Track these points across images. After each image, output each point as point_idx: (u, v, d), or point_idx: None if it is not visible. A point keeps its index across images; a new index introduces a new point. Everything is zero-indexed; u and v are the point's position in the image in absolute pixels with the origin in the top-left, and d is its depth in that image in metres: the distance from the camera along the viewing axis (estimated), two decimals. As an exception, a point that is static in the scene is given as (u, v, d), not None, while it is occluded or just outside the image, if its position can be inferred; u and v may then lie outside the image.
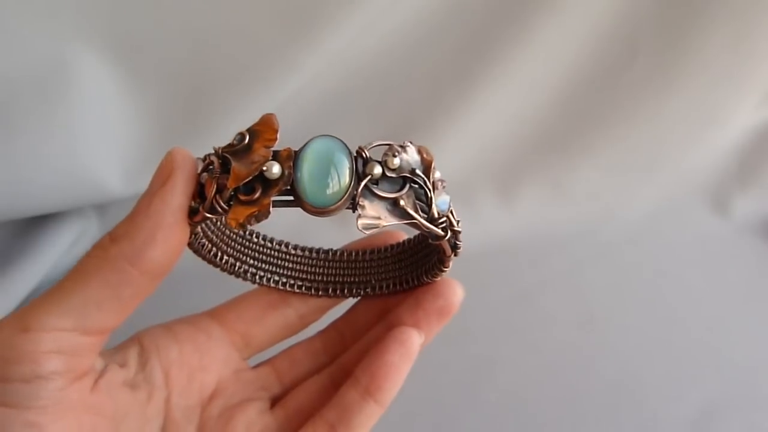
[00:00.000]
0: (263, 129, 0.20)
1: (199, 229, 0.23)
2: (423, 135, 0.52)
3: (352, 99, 0.51)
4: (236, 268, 0.26)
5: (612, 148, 0.56)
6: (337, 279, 0.27)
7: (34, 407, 0.18)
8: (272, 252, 0.27)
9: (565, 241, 0.54)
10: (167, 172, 0.19)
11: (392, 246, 0.27)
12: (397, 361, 0.23)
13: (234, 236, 0.26)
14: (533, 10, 0.48)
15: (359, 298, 0.27)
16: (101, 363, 0.22)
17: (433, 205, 0.21)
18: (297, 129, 0.55)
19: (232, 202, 0.19)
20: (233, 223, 0.19)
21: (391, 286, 0.26)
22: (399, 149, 0.20)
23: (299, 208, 0.20)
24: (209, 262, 0.25)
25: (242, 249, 0.26)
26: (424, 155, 0.21)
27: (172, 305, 0.27)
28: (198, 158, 0.20)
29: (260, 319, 0.26)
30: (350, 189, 0.19)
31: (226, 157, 0.19)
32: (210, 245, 0.25)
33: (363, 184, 0.19)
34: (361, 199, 0.19)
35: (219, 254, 0.25)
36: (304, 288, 0.27)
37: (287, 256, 0.27)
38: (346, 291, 0.27)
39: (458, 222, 0.22)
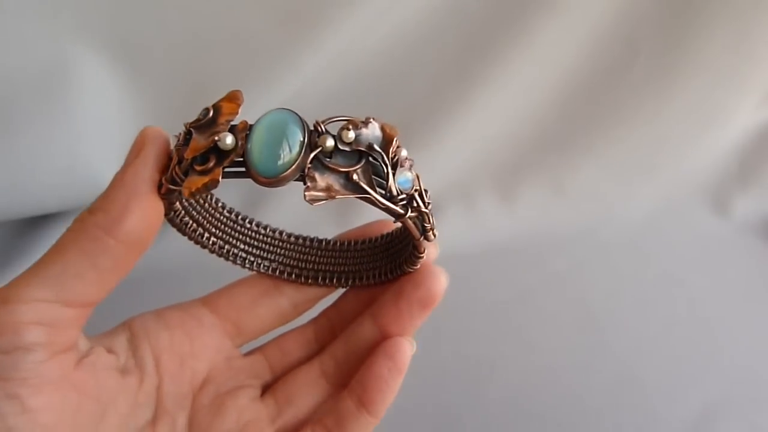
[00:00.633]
0: (227, 104, 0.21)
1: (179, 205, 0.23)
2: (423, 135, 0.52)
3: (352, 99, 0.51)
4: (225, 251, 0.26)
5: (612, 148, 0.56)
6: (327, 268, 0.27)
7: (14, 379, 0.18)
8: (264, 238, 0.27)
9: (565, 241, 0.54)
10: (139, 146, 0.20)
11: (383, 236, 0.27)
12: (387, 375, 0.23)
13: (225, 219, 0.26)
14: (533, 11, 0.48)
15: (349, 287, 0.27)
16: (86, 344, 0.22)
17: (392, 182, 0.20)
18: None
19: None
20: (186, 192, 0.19)
21: (378, 275, 0.26)
22: (360, 124, 0.20)
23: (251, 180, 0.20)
24: (196, 242, 0.25)
25: (233, 233, 0.26)
26: (387, 131, 0.20)
27: (167, 300, 0.27)
28: (174, 135, 0.21)
29: (253, 306, 0.26)
30: (299, 160, 0.19)
31: (191, 131, 0.20)
32: (195, 224, 0.25)
33: (312, 155, 0.19)
34: (310, 171, 0.19)
35: (206, 235, 0.25)
36: (294, 275, 0.26)
37: (279, 243, 0.27)
38: (335, 280, 0.27)
39: (428, 204, 0.21)
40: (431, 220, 0.22)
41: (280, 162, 0.19)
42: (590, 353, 0.44)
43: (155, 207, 0.20)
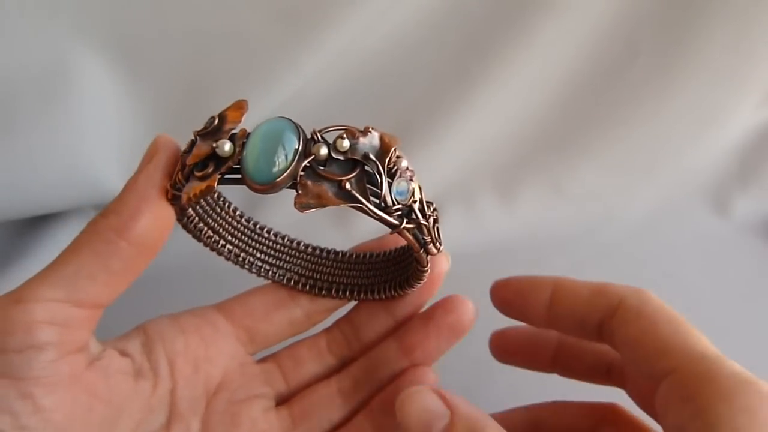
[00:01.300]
0: (231, 112, 0.21)
1: (191, 211, 0.24)
2: (423, 135, 0.52)
3: (352, 99, 0.51)
4: (240, 259, 0.26)
5: (612, 148, 0.56)
6: (341, 279, 0.27)
7: (27, 378, 0.18)
8: (280, 247, 0.27)
9: (565, 241, 0.54)
10: (152, 153, 0.21)
11: (397, 249, 0.27)
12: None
13: (241, 227, 0.26)
14: (533, 11, 0.48)
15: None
16: (98, 347, 0.22)
17: (386, 191, 0.20)
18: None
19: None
20: (184, 198, 0.19)
21: (390, 289, 0.26)
22: (358, 133, 0.20)
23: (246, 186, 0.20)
24: (211, 248, 0.25)
25: (248, 241, 0.26)
26: (385, 141, 0.20)
27: (173, 301, 0.27)
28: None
29: (267, 315, 0.26)
30: (292, 168, 0.19)
31: (197, 138, 0.21)
32: (210, 231, 0.25)
33: (304, 163, 0.19)
34: (302, 179, 0.19)
35: (222, 242, 0.25)
36: (308, 286, 0.26)
37: (295, 253, 0.27)
38: (348, 292, 0.27)
39: (430, 216, 0.21)
40: (432, 233, 0.21)
41: (274, 169, 0.19)
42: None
43: (166, 211, 0.20)
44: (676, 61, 0.52)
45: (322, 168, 0.19)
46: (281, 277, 0.26)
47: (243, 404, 0.25)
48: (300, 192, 0.19)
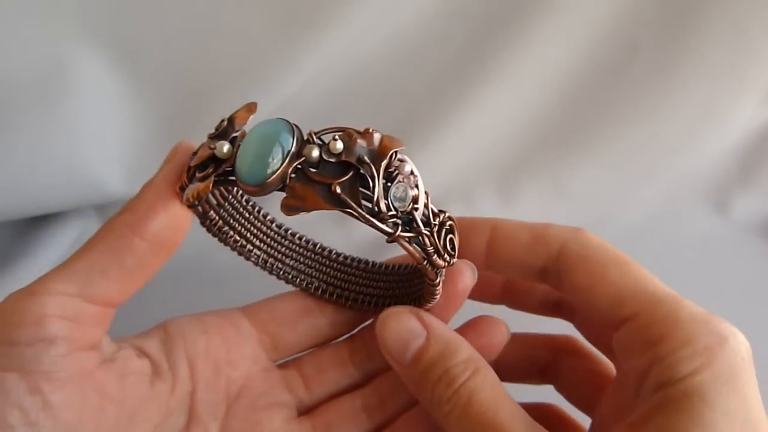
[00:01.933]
0: (240, 114, 0.21)
1: (214, 214, 0.23)
2: (423, 135, 0.52)
3: (352, 99, 0.50)
4: (268, 264, 0.26)
5: (612, 148, 0.56)
6: (368, 290, 0.26)
7: (36, 372, 0.18)
8: (309, 254, 0.27)
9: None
10: (171, 156, 0.21)
11: None
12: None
13: (270, 232, 0.26)
14: (533, 11, 0.48)
15: None
16: (112, 347, 0.21)
17: (379, 197, 0.19)
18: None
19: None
20: (184, 199, 0.20)
21: (416, 302, 0.25)
22: (356, 135, 0.19)
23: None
24: (239, 253, 0.25)
25: (277, 246, 0.26)
26: (384, 143, 0.19)
27: (181, 297, 0.27)
28: None
29: (293, 323, 0.26)
30: (281, 170, 0.18)
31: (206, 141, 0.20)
32: (237, 236, 0.25)
33: (294, 165, 0.19)
34: (292, 181, 0.19)
35: (249, 247, 0.25)
36: (335, 296, 0.26)
37: (324, 261, 0.27)
38: (373, 304, 0.26)
39: (438, 226, 0.20)
40: (437, 244, 0.20)
41: (267, 171, 0.18)
42: (590, 353, 0.44)
43: (181, 211, 0.20)
44: (676, 60, 0.52)
45: (313, 170, 0.19)
46: (309, 286, 0.26)
47: (264, 412, 0.24)
48: (287, 194, 0.19)
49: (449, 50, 0.49)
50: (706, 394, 0.17)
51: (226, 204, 0.24)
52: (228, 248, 0.25)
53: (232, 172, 0.19)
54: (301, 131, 0.20)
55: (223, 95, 0.44)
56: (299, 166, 0.19)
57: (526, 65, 0.50)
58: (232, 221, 0.25)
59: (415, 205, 0.19)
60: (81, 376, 0.19)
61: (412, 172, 0.20)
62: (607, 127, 0.55)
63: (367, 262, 0.27)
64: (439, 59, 0.50)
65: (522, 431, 0.19)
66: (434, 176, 0.54)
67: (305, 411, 0.25)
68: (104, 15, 0.40)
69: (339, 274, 0.27)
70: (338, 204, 0.19)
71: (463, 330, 0.25)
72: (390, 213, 0.19)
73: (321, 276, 0.26)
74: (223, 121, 0.21)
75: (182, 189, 0.20)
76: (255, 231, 0.25)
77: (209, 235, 0.24)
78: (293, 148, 0.19)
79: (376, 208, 0.19)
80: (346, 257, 0.27)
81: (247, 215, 0.25)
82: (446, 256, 0.21)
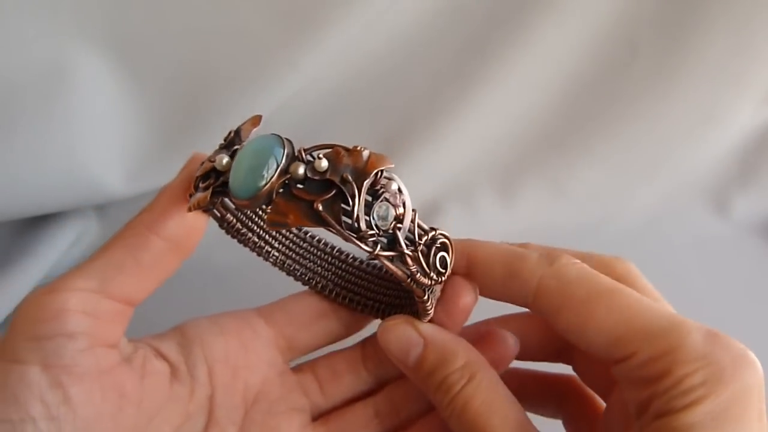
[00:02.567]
0: (246, 126, 0.21)
1: (231, 217, 0.24)
2: (423, 135, 0.52)
3: (352, 99, 0.51)
4: (285, 265, 0.26)
5: (612, 148, 0.56)
6: (378, 297, 0.27)
7: (58, 365, 0.19)
8: (325, 256, 0.27)
9: (564, 241, 0.54)
10: (186, 164, 0.22)
11: None
12: None
13: (289, 234, 0.26)
14: (533, 10, 0.48)
15: None
16: (130, 348, 0.22)
17: (359, 215, 0.19)
18: (297, 129, 0.55)
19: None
20: (187, 209, 0.20)
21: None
22: (343, 153, 0.19)
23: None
24: (258, 254, 0.26)
25: (295, 248, 0.26)
26: (371, 161, 0.19)
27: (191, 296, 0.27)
28: None
29: (309, 325, 0.26)
30: (268, 185, 0.19)
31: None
32: (255, 237, 0.25)
33: (280, 181, 0.19)
34: (277, 197, 0.19)
35: (267, 248, 0.26)
36: (348, 300, 0.26)
37: (339, 264, 0.27)
38: (381, 312, 0.27)
39: (423, 245, 0.20)
40: (420, 261, 0.20)
41: (258, 185, 0.19)
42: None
43: (195, 213, 0.21)
44: (676, 60, 0.52)
45: (300, 187, 0.19)
46: (324, 288, 0.26)
47: (282, 417, 0.24)
48: (271, 210, 0.19)
49: (449, 50, 0.49)
50: (701, 430, 0.18)
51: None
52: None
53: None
54: (293, 147, 0.20)
55: (223, 95, 0.44)
56: (286, 183, 0.19)
57: (525, 65, 0.50)
58: (250, 223, 0.25)
59: (399, 224, 0.20)
60: (100, 373, 0.20)
61: (399, 190, 0.20)
62: (607, 126, 0.55)
63: (380, 268, 0.27)
64: (439, 59, 0.50)
65: None
66: (434, 176, 0.54)
67: (319, 415, 0.26)
68: (104, 15, 0.40)
69: (353, 278, 0.27)
70: (319, 221, 0.19)
71: (472, 342, 0.25)
72: (370, 231, 0.19)
73: (336, 279, 0.27)
74: (230, 132, 0.21)
75: (191, 196, 0.21)
76: (273, 233, 0.26)
77: (211, 235, 0.25)
78: (283, 164, 0.19)
79: (356, 225, 0.19)
80: (362, 262, 0.27)
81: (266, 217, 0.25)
82: (433, 274, 0.21)
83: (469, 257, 0.24)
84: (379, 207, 0.19)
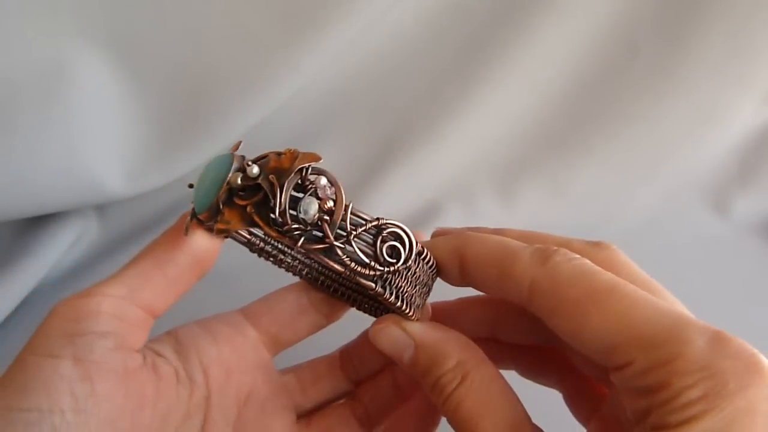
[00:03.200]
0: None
1: (257, 241, 0.25)
2: (423, 135, 0.52)
3: (352, 99, 0.51)
4: (273, 255, 0.27)
5: (612, 148, 0.56)
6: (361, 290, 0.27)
7: (88, 360, 0.20)
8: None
9: (565, 241, 0.54)
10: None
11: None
12: None
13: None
14: (533, 11, 0.48)
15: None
16: (149, 355, 0.23)
17: (278, 211, 0.20)
18: (297, 129, 0.55)
19: None
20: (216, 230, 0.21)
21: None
22: (273, 157, 0.20)
23: None
24: (292, 273, 0.27)
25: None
26: (296, 159, 0.20)
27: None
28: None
29: (292, 322, 0.27)
30: (215, 198, 0.20)
31: None
32: (287, 258, 0.26)
33: (222, 191, 0.20)
34: (223, 206, 0.20)
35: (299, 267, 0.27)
36: (332, 289, 0.27)
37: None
38: (365, 306, 0.27)
39: (352, 233, 0.20)
40: (355, 252, 0.20)
41: (209, 199, 0.21)
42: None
43: (217, 240, 0.22)
44: (677, 61, 0.52)
45: (242, 193, 0.20)
46: (308, 276, 0.27)
47: (272, 416, 0.26)
48: (219, 219, 0.20)
49: (449, 50, 0.49)
50: None
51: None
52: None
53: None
54: (243, 160, 0.21)
55: (223, 95, 0.44)
56: (226, 192, 0.20)
57: (526, 65, 0.50)
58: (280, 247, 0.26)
59: (326, 216, 0.20)
60: (125, 373, 0.21)
61: (331, 184, 0.20)
62: (607, 127, 0.55)
63: None
64: (440, 59, 0.50)
65: None
66: (434, 176, 0.54)
67: (302, 415, 0.27)
68: (104, 15, 0.40)
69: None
70: (251, 223, 0.20)
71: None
72: (294, 226, 0.20)
73: (323, 269, 0.27)
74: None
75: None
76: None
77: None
78: (229, 178, 0.20)
79: (280, 220, 0.20)
80: None
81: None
82: (375, 263, 0.21)
83: (461, 256, 0.23)
84: (304, 201, 0.20)
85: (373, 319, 0.26)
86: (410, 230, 0.21)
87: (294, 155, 0.20)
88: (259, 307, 0.27)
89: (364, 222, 0.21)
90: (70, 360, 0.19)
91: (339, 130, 0.52)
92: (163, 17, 0.41)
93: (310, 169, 0.20)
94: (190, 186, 0.22)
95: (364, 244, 0.21)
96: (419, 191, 0.54)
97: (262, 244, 0.25)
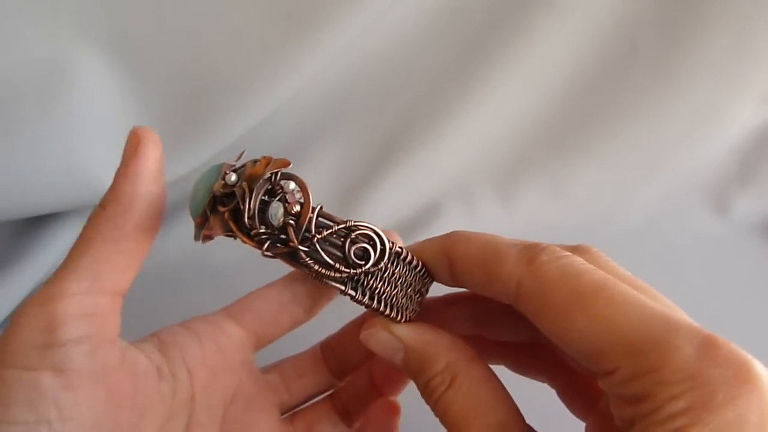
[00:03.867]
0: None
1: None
2: (423, 135, 0.52)
3: (352, 99, 0.51)
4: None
5: (612, 148, 0.56)
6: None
7: (69, 370, 0.19)
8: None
9: (564, 242, 0.54)
10: (135, 143, 0.22)
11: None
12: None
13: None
14: (533, 11, 0.48)
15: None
16: (123, 342, 0.22)
17: (247, 216, 0.20)
18: (297, 129, 0.55)
19: None
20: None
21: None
22: (249, 165, 0.21)
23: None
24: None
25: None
26: (268, 165, 0.21)
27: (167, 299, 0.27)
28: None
29: (274, 319, 0.27)
30: (203, 206, 0.21)
31: None
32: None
33: (207, 200, 0.21)
34: (209, 213, 0.21)
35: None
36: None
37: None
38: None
39: (316, 236, 0.20)
40: (321, 256, 0.21)
41: (199, 207, 0.21)
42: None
43: (160, 193, 0.21)
44: (676, 61, 0.52)
45: (225, 200, 0.21)
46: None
47: (258, 414, 0.26)
48: (205, 226, 0.21)
49: (449, 50, 0.49)
50: None
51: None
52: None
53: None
54: (232, 166, 0.22)
55: (223, 96, 0.44)
56: (211, 200, 0.21)
57: (525, 65, 0.50)
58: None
59: (291, 220, 0.20)
60: (104, 374, 0.20)
61: (299, 188, 0.21)
62: (606, 127, 0.55)
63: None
64: (439, 59, 0.50)
65: None
66: (434, 176, 0.54)
67: (286, 410, 0.27)
68: (104, 15, 0.40)
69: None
70: (228, 228, 0.21)
71: None
72: (261, 230, 0.20)
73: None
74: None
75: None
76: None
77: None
78: (213, 186, 0.21)
79: (248, 224, 0.20)
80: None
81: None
82: (339, 265, 0.21)
83: (449, 259, 0.23)
84: (272, 206, 0.20)
85: (357, 311, 0.26)
86: (383, 232, 0.21)
87: (266, 162, 0.21)
88: (242, 306, 0.27)
89: (332, 225, 0.21)
90: (50, 371, 0.19)
91: (339, 131, 0.52)
92: (163, 17, 0.41)
93: (279, 174, 0.20)
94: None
95: (333, 246, 0.21)
96: (419, 191, 0.54)
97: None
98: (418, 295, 0.24)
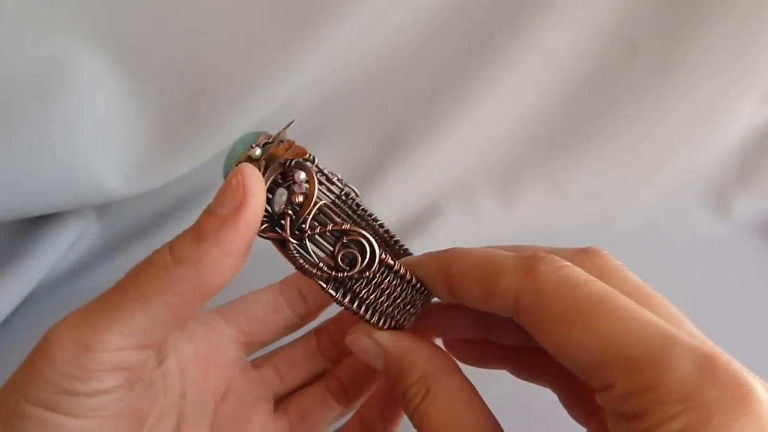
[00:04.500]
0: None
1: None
2: (423, 135, 0.52)
3: (353, 99, 0.51)
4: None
5: (612, 148, 0.56)
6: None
7: (94, 416, 0.19)
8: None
9: (565, 242, 0.54)
10: (238, 197, 0.19)
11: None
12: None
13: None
14: (533, 10, 0.48)
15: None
16: None
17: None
18: (297, 129, 0.55)
19: None
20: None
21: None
22: (275, 144, 0.21)
23: None
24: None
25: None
26: (287, 151, 0.21)
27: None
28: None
29: (267, 321, 0.27)
30: (235, 166, 0.21)
31: None
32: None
33: (235, 164, 0.21)
34: None
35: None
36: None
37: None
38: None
39: (308, 233, 0.20)
40: (308, 252, 0.21)
41: (230, 167, 0.21)
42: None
43: (240, 264, 0.20)
44: (677, 61, 0.52)
45: None
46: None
47: (250, 409, 0.26)
48: None
49: (449, 50, 0.49)
50: None
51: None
52: None
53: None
54: (269, 138, 0.22)
55: (223, 95, 0.44)
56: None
57: (526, 65, 0.50)
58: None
59: (290, 210, 0.20)
60: (127, 409, 0.20)
61: (308, 181, 0.21)
62: (606, 127, 0.55)
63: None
64: (439, 59, 0.50)
65: None
66: (434, 176, 0.54)
67: (280, 399, 0.27)
68: (104, 14, 0.40)
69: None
70: None
71: None
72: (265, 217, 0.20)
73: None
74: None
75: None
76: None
77: None
78: (240, 155, 0.22)
79: (271, 210, 0.21)
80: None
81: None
82: (322, 265, 0.21)
83: (447, 276, 0.22)
84: (278, 192, 0.20)
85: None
86: (376, 243, 0.21)
87: (288, 146, 0.21)
88: (235, 307, 0.27)
89: (329, 224, 0.21)
90: (75, 418, 0.19)
91: (339, 130, 0.52)
92: (163, 17, 0.41)
93: (294, 162, 0.21)
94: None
95: (325, 245, 0.21)
96: (419, 191, 0.54)
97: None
98: (411, 307, 0.23)
